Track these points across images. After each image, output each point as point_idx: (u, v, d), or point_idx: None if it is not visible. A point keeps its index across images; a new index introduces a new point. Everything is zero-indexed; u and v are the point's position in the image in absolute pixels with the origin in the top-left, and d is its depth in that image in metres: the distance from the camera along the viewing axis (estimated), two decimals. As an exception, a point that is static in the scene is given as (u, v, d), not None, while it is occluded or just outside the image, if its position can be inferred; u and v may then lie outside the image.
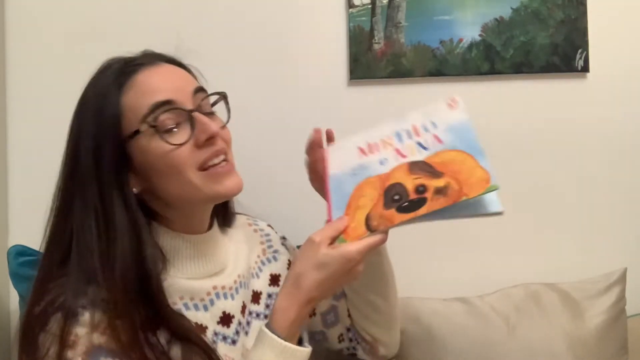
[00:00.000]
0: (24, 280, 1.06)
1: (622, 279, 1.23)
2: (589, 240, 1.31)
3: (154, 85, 0.75)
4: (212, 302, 0.80)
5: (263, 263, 0.93)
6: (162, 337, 0.71)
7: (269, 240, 0.96)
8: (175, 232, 0.80)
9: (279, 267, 0.93)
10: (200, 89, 0.78)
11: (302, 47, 1.28)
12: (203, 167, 0.75)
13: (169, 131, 0.73)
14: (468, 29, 1.27)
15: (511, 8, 1.27)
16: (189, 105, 0.75)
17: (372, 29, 1.27)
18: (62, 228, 0.75)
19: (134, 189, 0.76)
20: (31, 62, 1.24)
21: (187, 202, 0.78)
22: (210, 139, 0.75)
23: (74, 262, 0.72)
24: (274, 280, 0.92)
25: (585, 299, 1.20)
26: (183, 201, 0.77)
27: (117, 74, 0.76)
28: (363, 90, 1.29)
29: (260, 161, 1.25)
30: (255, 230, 0.96)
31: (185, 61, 0.84)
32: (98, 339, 0.68)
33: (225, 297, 0.82)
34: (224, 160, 0.77)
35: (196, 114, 0.75)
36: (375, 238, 0.74)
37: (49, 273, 0.74)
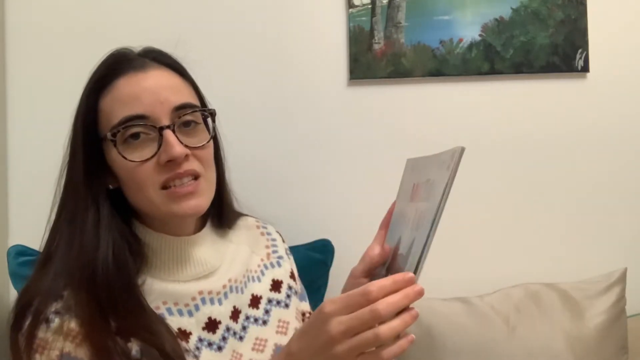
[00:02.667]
0: (23, 280, 1.05)
1: (622, 279, 1.23)
2: (589, 240, 1.31)
3: (131, 94, 0.73)
4: (197, 308, 0.78)
5: (266, 267, 0.90)
6: (134, 348, 0.69)
7: (275, 246, 0.94)
8: (157, 233, 0.78)
9: (282, 273, 0.91)
10: (184, 106, 0.75)
11: (302, 47, 1.28)
12: (164, 187, 0.74)
13: (133, 146, 0.73)
14: (468, 29, 1.27)
15: (511, 8, 1.27)
16: (165, 121, 0.73)
17: (372, 29, 1.27)
18: (54, 225, 0.77)
19: (110, 186, 0.77)
20: (31, 62, 1.24)
21: (151, 215, 0.77)
22: (172, 161, 0.72)
23: (55, 259, 0.73)
24: (276, 286, 0.89)
25: (585, 299, 1.20)
26: (147, 213, 0.77)
27: (102, 74, 0.76)
28: (363, 90, 1.29)
29: (261, 161, 1.26)
30: (262, 234, 0.95)
31: (185, 63, 0.82)
32: (68, 346, 0.67)
33: (212, 302, 0.79)
34: (192, 179, 0.75)
35: (166, 132, 0.72)
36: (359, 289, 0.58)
37: (37, 271, 0.75)
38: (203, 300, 0.78)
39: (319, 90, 1.28)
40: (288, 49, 1.28)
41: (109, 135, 0.73)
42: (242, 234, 0.91)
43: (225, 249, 0.86)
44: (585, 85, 1.30)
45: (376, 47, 1.27)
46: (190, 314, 0.77)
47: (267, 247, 0.93)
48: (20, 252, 1.07)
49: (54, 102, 1.24)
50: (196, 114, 0.77)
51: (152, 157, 0.72)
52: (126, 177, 0.74)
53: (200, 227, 0.84)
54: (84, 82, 0.79)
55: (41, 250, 0.77)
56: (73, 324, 0.68)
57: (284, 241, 0.97)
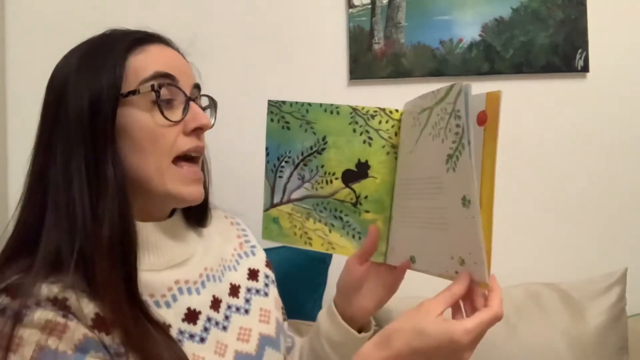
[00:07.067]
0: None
1: (622, 279, 1.23)
2: (589, 240, 1.31)
3: (164, 57, 0.73)
4: (174, 298, 0.73)
5: (240, 256, 0.88)
6: (116, 339, 0.65)
7: (246, 235, 0.92)
8: None
9: (257, 262, 0.89)
10: (198, 86, 0.77)
11: (302, 47, 1.28)
12: (178, 160, 0.72)
13: (166, 102, 0.71)
14: (468, 29, 1.27)
15: (511, 8, 1.27)
16: (188, 93, 0.74)
17: (372, 29, 1.27)
18: (36, 191, 0.72)
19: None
20: (31, 62, 1.24)
21: (148, 187, 0.72)
22: (197, 130, 0.73)
23: (47, 228, 0.68)
24: (253, 274, 0.87)
25: (585, 299, 1.20)
26: (145, 185, 0.71)
27: (130, 38, 0.73)
28: (363, 90, 1.29)
29: (260, 160, 1.25)
30: (232, 224, 0.92)
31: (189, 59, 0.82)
32: (46, 340, 0.61)
33: (189, 292, 0.75)
34: (200, 168, 0.75)
35: (192, 102, 0.73)
36: (490, 312, 0.65)
37: (11, 254, 0.69)
38: (180, 290, 0.74)
39: (319, 90, 1.28)
40: (288, 49, 1.28)
41: (143, 88, 0.69)
42: (212, 225, 0.87)
43: (196, 239, 0.82)
44: (585, 85, 1.30)
45: (376, 47, 1.27)
46: (167, 305, 0.72)
47: (238, 236, 0.90)
48: (20, 252, 1.07)
49: (54, 102, 1.24)
50: (200, 99, 0.78)
51: (179, 121, 0.71)
52: (144, 139, 0.70)
53: (169, 214, 0.79)
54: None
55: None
56: (53, 315, 0.62)
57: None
